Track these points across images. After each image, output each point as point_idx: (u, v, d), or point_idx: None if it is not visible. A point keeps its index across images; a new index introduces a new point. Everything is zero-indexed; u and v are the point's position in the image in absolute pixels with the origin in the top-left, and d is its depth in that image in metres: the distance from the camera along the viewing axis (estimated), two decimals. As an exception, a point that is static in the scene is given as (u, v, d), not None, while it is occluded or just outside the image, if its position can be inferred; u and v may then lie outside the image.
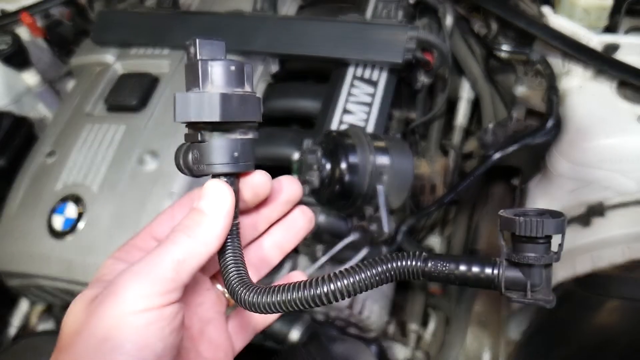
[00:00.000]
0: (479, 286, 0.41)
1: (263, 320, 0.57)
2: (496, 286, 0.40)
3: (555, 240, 0.40)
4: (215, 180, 0.47)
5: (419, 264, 0.43)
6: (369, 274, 0.43)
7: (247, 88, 0.47)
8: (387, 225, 0.96)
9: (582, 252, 1.16)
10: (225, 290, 0.53)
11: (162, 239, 0.46)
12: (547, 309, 1.22)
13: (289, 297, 0.43)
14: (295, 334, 1.09)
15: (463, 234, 1.54)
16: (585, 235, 1.17)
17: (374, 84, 1.22)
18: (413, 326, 1.46)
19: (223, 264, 0.47)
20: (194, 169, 0.48)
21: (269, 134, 1.24)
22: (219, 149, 0.46)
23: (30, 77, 1.46)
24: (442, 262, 0.42)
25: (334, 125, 1.17)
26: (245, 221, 0.52)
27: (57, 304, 1.30)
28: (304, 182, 0.96)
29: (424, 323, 1.52)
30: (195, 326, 0.51)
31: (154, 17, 1.37)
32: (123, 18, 1.40)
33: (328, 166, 0.94)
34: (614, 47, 1.17)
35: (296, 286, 0.43)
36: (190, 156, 0.48)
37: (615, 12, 1.19)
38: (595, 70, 1.19)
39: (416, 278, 0.43)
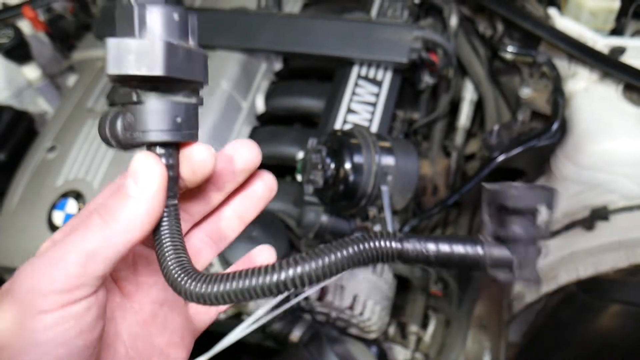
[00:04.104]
0: (462, 267, 0.37)
1: None
2: (481, 266, 0.37)
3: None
4: (145, 153, 0.39)
5: (394, 244, 0.38)
6: (338, 256, 0.37)
7: (192, 42, 0.39)
8: (391, 226, 0.95)
9: (585, 256, 1.15)
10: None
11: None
12: (549, 312, 1.20)
13: (243, 285, 0.37)
14: (296, 334, 1.08)
15: (464, 236, 1.53)
16: (589, 239, 1.16)
17: (378, 83, 1.21)
18: (413, 328, 1.45)
19: (159, 249, 0.40)
20: (125, 138, 0.40)
21: (272, 132, 1.24)
22: (158, 112, 0.39)
23: (31, 72, 1.45)
24: (420, 242, 0.37)
25: (337, 125, 1.16)
26: (197, 195, 0.46)
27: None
28: (308, 181, 0.95)
29: (424, 325, 1.51)
30: (147, 309, 0.46)
31: (157, 12, 1.36)
32: (126, 13, 1.39)
33: (332, 166, 0.93)
34: (620, 50, 1.17)
35: (252, 272, 0.37)
36: (119, 123, 0.40)
37: (622, 15, 1.19)
38: (601, 73, 1.18)
39: (391, 260, 0.38)
